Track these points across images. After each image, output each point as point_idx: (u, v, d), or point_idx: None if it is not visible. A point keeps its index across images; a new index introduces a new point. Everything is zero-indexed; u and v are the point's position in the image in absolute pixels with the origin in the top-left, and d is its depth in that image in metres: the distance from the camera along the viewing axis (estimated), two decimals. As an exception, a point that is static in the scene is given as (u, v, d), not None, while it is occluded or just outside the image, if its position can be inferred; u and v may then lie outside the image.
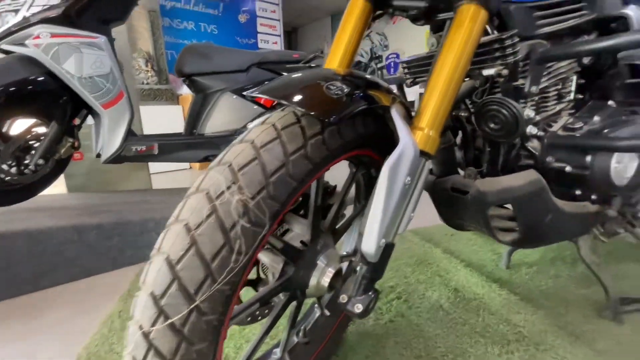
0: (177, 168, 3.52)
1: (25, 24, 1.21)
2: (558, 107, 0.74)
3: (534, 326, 0.87)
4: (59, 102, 1.32)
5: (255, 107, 1.73)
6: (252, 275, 0.65)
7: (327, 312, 0.75)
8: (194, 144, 1.64)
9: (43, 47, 1.20)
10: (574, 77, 0.75)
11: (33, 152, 1.32)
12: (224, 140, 1.67)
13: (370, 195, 0.50)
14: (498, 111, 0.64)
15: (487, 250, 1.32)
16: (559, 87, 0.74)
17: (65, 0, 1.23)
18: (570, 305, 0.96)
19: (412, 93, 0.84)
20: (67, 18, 1.23)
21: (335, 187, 0.72)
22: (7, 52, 1.23)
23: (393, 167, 0.48)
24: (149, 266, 0.38)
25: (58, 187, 1.88)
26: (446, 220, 0.86)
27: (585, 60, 0.73)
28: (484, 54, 0.63)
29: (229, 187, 0.38)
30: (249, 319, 0.65)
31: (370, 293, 0.54)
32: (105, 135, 1.41)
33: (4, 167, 1.27)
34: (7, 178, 1.29)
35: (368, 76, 0.55)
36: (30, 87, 1.21)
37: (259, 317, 0.67)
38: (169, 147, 1.57)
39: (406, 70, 0.82)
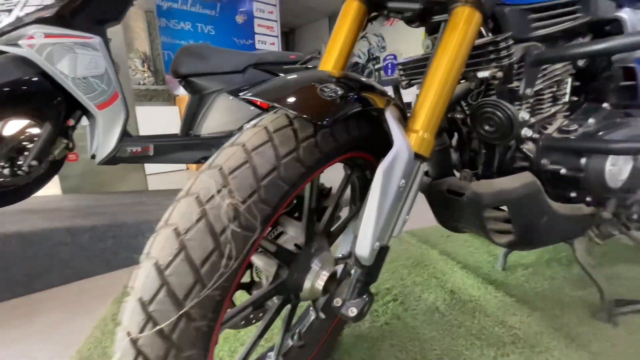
0: (173, 169, 3.50)
1: (19, 24, 1.20)
2: (553, 110, 0.74)
3: (530, 328, 0.87)
4: (52, 103, 1.30)
5: (252, 108, 1.73)
6: (246, 278, 0.65)
7: (322, 315, 0.74)
8: (190, 145, 1.63)
9: (37, 47, 1.19)
10: (569, 80, 0.75)
11: (26, 153, 1.31)
12: (220, 141, 1.66)
13: (365, 198, 0.50)
14: (493, 113, 0.64)
15: (484, 251, 1.32)
16: (554, 89, 0.74)
17: (59, 1, 1.22)
18: (565, 307, 0.97)
19: (410, 95, 0.84)
20: (61, 18, 1.22)
21: (330, 189, 0.72)
22: (0, 52, 1.22)
23: (387, 169, 0.48)
24: (137, 271, 0.37)
25: (52, 189, 1.87)
26: (442, 222, 0.85)
27: (580, 62, 0.73)
28: (478, 56, 0.63)
29: (219, 191, 0.37)
30: (243, 322, 0.64)
31: (364, 296, 0.54)
32: (99, 136, 1.40)
33: (-3, 168, 1.25)
34: (0, 179, 1.27)
35: (362, 78, 0.55)
36: (23, 87, 1.20)
37: (253, 321, 0.66)
38: (164, 148, 1.56)
39: (402, 72, 0.82)
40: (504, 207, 0.70)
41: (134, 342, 0.35)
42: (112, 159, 1.44)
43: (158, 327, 0.34)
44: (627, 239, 0.85)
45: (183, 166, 3.56)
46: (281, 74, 1.62)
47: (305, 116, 0.41)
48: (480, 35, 0.64)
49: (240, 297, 0.82)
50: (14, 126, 1.30)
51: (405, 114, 0.57)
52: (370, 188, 0.48)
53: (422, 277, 1.15)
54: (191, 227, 0.36)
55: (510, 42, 0.60)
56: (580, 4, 0.65)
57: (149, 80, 3.50)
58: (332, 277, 0.61)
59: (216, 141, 1.66)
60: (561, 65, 0.72)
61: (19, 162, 1.29)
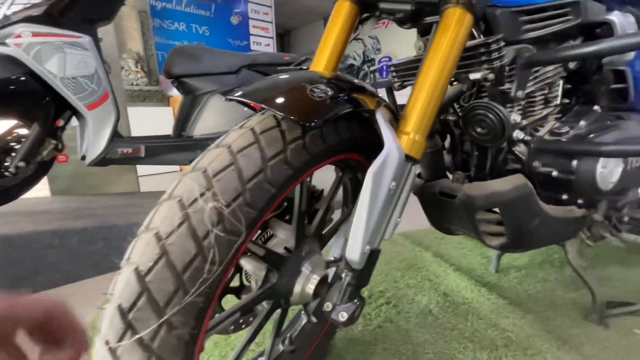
0: (166, 170, 3.46)
1: (6, 22, 1.17)
2: (544, 112, 0.74)
3: (522, 330, 0.87)
4: (41, 103, 1.28)
5: (245, 109, 1.72)
6: (235, 282, 0.64)
7: (314, 319, 0.73)
8: (182, 147, 1.61)
9: (24, 46, 1.17)
10: (560, 82, 0.75)
11: (14, 154, 1.29)
12: (213, 142, 1.64)
13: (357, 200, 0.49)
14: (485, 115, 0.64)
15: (477, 253, 1.32)
16: (546, 91, 0.74)
17: (47, -1, 1.20)
18: (557, 309, 0.97)
19: (405, 97, 0.83)
20: (49, 17, 1.20)
21: (322, 191, 0.71)
22: (-13, 52, 1.20)
23: (377, 172, 0.47)
24: (117, 277, 0.36)
25: (41, 190, 1.83)
26: (435, 225, 0.85)
27: (571, 65, 0.74)
28: (470, 58, 0.63)
29: (202, 194, 0.36)
30: (233, 327, 0.63)
31: (355, 301, 0.53)
32: (89, 137, 1.38)
33: (-17, 169, 1.22)
34: (-15, 181, 1.24)
35: (353, 79, 0.54)
36: (11, 87, 1.18)
37: (243, 325, 0.65)
38: (156, 150, 1.54)
39: (394, 74, 0.82)
40: (497, 209, 0.70)
41: (112, 351, 0.33)
42: (103, 160, 1.42)
43: (137, 336, 0.33)
44: (618, 241, 0.85)
45: (176, 168, 3.52)
46: (274, 75, 1.62)
47: (292, 117, 0.40)
48: (472, 37, 0.64)
49: (231, 302, 0.81)
50: (0, 127, 1.27)
51: (396, 115, 0.56)
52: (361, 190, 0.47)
53: (415, 280, 1.14)
54: (173, 232, 0.35)
55: (502, 44, 0.60)
56: (570, 7, 0.65)
57: (142, 81, 3.47)
58: (323, 281, 0.60)
59: (209, 142, 1.64)
60: (552, 68, 0.72)
61: (6, 164, 1.26)
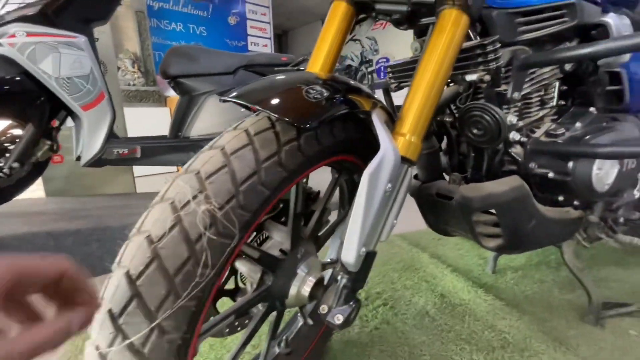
0: (163, 171, 3.44)
1: (0, 22, 1.16)
2: (541, 113, 0.75)
3: (519, 332, 0.87)
4: (36, 104, 1.27)
5: (242, 110, 1.71)
6: (230, 284, 0.63)
7: (310, 322, 0.73)
8: (179, 147, 1.60)
9: (18, 46, 1.16)
10: (557, 84, 0.75)
11: (8, 154, 1.27)
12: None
13: (353, 202, 0.48)
14: (481, 117, 0.64)
15: (474, 254, 1.32)
16: (542, 93, 0.74)
17: (42, -1, 1.19)
18: (554, 310, 0.97)
19: (402, 98, 0.83)
20: (44, 17, 1.19)
21: (318, 192, 0.71)
22: (-20, 51, 1.18)
23: (373, 174, 0.47)
24: (108, 281, 0.36)
25: (36, 191, 1.82)
26: (432, 226, 0.85)
27: (567, 67, 0.74)
28: (466, 59, 0.63)
29: (195, 197, 0.36)
30: (228, 330, 0.62)
31: (351, 303, 0.52)
32: (85, 138, 1.37)
33: (-24, 170, 1.21)
34: (-21, 182, 1.23)
35: (349, 80, 0.54)
36: (5, 87, 1.16)
37: (239, 328, 0.64)
38: (152, 150, 1.53)
39: (391, 75, 0.82)
40: (493, 211, 0.70)
41: (102, 356, 0.33)
42: (98, 161, 1.41)
43: (128, 341, 0.32)
44: (614, 242, 0.85)
45: (173, 168, 3.50)
46: (272, 76, 1.61)
47: (287, 119, 0.40)
48: (468, 38, 0.64)
49: (227, 304, 0.80)
50: (-6, 127, 1.26)
51: (392, 117, 0.56)
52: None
53: (412, 281, 1.14)
54: (165, 235, 0.35)
55: (498, 45, 0.60)
56: (566, 9, 0.65)
57: (139, 81, 3.45)
58: (319, 283, 0.59)
59: (206, 143, 1.63)
60: (548, 70, 0.72)
61: (0, 164, 1.25)
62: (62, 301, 0.26)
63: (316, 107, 0.43)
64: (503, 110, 0.64)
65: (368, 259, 0.51)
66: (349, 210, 0.52)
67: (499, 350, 0.81)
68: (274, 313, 0.63)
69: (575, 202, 0.73)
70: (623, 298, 0.99)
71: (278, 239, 0.59)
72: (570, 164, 0.67)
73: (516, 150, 0.70)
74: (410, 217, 0.90)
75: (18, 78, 1.18)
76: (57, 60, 1.22)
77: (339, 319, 0.50)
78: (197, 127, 1.68)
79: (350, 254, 0.49)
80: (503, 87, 0.66)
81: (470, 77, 0.63)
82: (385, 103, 0.76)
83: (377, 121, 0.49)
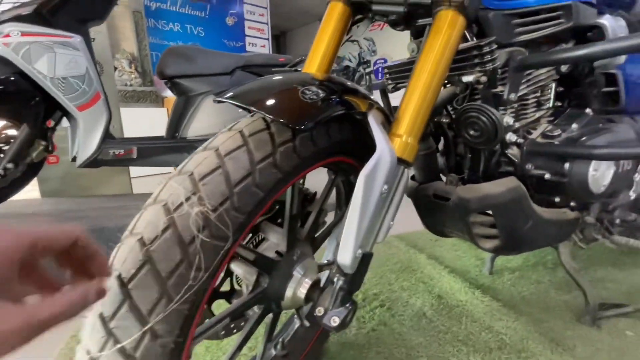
0: (159, 172, 3.43)
1: (-5, 21, 1.15)
2: (537, 115, 0.75)
3: (516, 333, 0.87)
4: (30, 104, 1.26)
5: (240, 110, 1.70)
6: (226, 287, 0.63)
7: (306, 323, 0.72)
8: (176, 148, 1.59)
9: (13, 45, 1.15)
10: (553, 85, 0.75)
11: (2, 155, 1.26)
12: (206, 144, 1.63)
13: (349, 203, 0.48)
14: (477, 118, 0.64)
15: (471, 255, 1.32)
16: (538, 94, 0.75)
17: (37, -2, 1.19)
18: (551, 311, 0.97)
19: (400, 99, 0.83)
20: (39, 16, 1.18)
21: (315, 193, 0.70)
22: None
23: (369, 175, 0.46)
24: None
25: (31, 192, 1.80)
26: (429, 227, 0.85)
27: (563, 68, 0.74)
28: (463, 60, 0.63)
29: (188, 199, 0.35)
30: (223, 332, 0.62)
31: (347, 305, 0.52)
32: (80, 138, 1.36)
33: (-30, 171, 1.20)
34: (-27, 183, 1.22)
35: (345, 81, 0.53)
36: (-1, 87, 1.15)
37: (235, 330, 0.64)
38: (148, 151, 1.52)
39: (388, 76, 0.81)
40: (490, 212, 0.70)
41: (94, 361, 0.32)
42: (94, 162, 1.40)
43: (119, 345, 0.32)
44: (610, 243, 0.85)
45: (170, 169, 3.49)
46: (269, 77, 1.61)
47: (282, 120, 0.39)
48: (465, 39, 0.64)
49: (224, 306, 0.80)
50: (-12, 127, 1.25)
51: (389, 118, 0.56)
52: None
53: (409, 282, 1.14)
54: (157, 237, 0.34)
55: (494, 46, 0.60)
56: (562, 10, 0.65)
57: (136, 82, 3.43)
58: (315, 285, 0.59)
59: (202, 144, 1.62)
60: (545, 71, 0.72)
61: (-6, 165, 1.24)
62: (75, 269, 0.27)
63: (312, 108, 0.43)
64: (499, 112, 0.64)
65: (364, 260, 0.51)
66: (346, 211, 0.52)
67: (496, 351, 0.81)
68: (270, 315, 0.62)
69: (572, 203, 0.73)
70: (619, 299, 0.99)
71: (274, 241, 0.58)
72: (567, 165, 0.67)
73: (513, 152, 0.70)
74: (407, 218, 0.90)
75: (12, 78, 1.18)
76: (52, 60, 1.21)
77: (335, 321, 0.50)
78: (194, 128, 1.67)
79: (346, 256, 0.48)
80: (499, 88, 0.66)
81: (467, 78, 0.63)
82: (382, 104, 0.76)
83: (374, 122, 0.49)
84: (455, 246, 1.41)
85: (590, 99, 0.78)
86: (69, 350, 0.87)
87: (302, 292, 0.57)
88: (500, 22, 0.65)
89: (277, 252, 0.57)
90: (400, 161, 0.51)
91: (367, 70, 5.51)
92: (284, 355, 0.71)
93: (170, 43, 3.88)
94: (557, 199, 0.73)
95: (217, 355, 0.84)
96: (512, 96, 0.66)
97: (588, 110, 0.76)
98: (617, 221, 0.81)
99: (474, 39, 0.65)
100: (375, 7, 0.62)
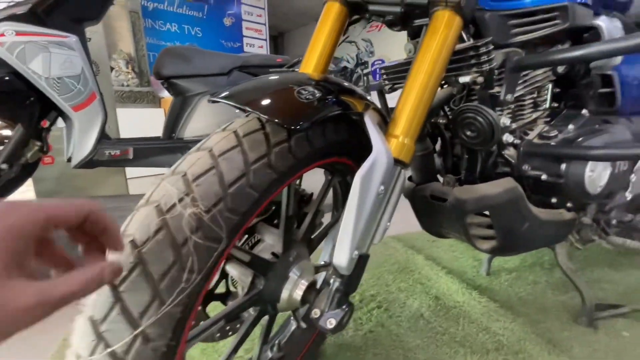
0: (156, 173, 3.41)
1: (-11, 21, 1.14)
2: (534, 116, 0.75)
3: (513, 334, 0.87)
4: (25, 104, 1.25)
5: (237, 111, 1.70)
6: (221, 288, 0.62)
7: (303, 325, 0.72)
8: (172, 149, 1.58)
9: (7, 45, 1.13)
10: (549, 86, 0.75)
11: (-4, 156, 1.25)
12: (203, 144, 1.62)
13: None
14: (474, 119, 0.64)
15: (469, 256, 1.32)
16: (535, 95, 0.75)
17: (32, -2, 1.17)
18: (548, 311, 0.97)
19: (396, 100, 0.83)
20: (34, 16, 1.17)
21: (311, 194, 0.70)
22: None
23: (365, 176, 0.46)
24: (90, 287, 0.34)
25: (26, 193, 1.78)
26: (426, 228, 0.85)
27: (560, 69, 0.74)
28: (459, 61, 0.63)
29: (181, 200, 0.35)
30: (219, 334, 0.61)
31: (344, 307, 0.52)
32: (76, 139, 1.34)
33: (-37, 171, 1.19)
34: (-34, 183, 1.20)
35: (342, 81, 0.53)
36: (-7, 87, 1.14)
37: (230, 333, 0.63)
38: (145, 152, 1.51)
39: (385, 77, 0.81)
40: (487, 213, 0.69)
41: (84, 365, 0.32)
42: (89, 162, 1.39)
43: (110, 349, 0.31)
44: (607, 243, 0.85)
45: (166, 170, 3.46)
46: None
47: (277, 120, 0.39)
48: (462, 40, 0.64)
49: (219, 308, 0.79)
50: (-18, 128, 1.23)
51: (385, 118, 0.56)
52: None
53: (407, 283, 1.14)
54: (149, 239, 0.34)
55: (491, 47, 0.60)
56: (559, 11, 0.65)
57: (133, 82, 3.42)
58: (311, 286, 0.58)
59: (199, 144, 1.62)
60: (541, 72, 0.72)
61: (-12, 166, 1.22)
62: (87, 244, 0.27)
63: (307, 108, 0.42)
64: (496, 112, 0.64)
65: (361, 262, 0.51)
66: (342, 212, 0.51)
67: (493, 352, 0.81)
68: (266, 317, 0.62)
69: (568, 204, 0.73)
70: (616, 299, 0.99)
71: (270, 242, 0.58)
72: (563, 166, 0.67)
73: (509, 152, 0.70)
74: (405, 219, 0.90)
75: (7, 78, 1.16)
76: (47, 60, 1.20)
77: (331, 323, 0.50)
78: (191, 128, 1.66)
79: (342, 257, 0.48)
80: (496, 89, 0.65)
81: (464, 79, 0.63)
82: (380, 105, 0.76)
83: (370, 123, 0.49)
84: (453, 247, 1.41)
85: (586, 100, 0.78)
86: (61, 355, 0.86)
87: (298, 293, 0.57)
88: (496, 23, 0.65)
89: (273, 254, 0.56)
90: (397, 162, 0.50)
91: (365, 71, 5.52)
92: (280, 357, 0.70)
93: (168, 43, 3.87)
94: (553, 200, 0.73)
95: (213, 357, 0.83)
96: (509, 97, 0.66)
97: (584, 111, 0.76)
98: (614, 222, 0.81)
99: (471, 39, 0.64)
100: (371, 7, 0.62)
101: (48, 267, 0.26)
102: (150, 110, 3.42)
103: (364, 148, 0.54)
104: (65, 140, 1.40)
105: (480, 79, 0.62)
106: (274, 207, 0.62)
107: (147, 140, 1.56)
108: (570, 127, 0.71)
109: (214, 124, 1.66)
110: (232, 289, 0.63)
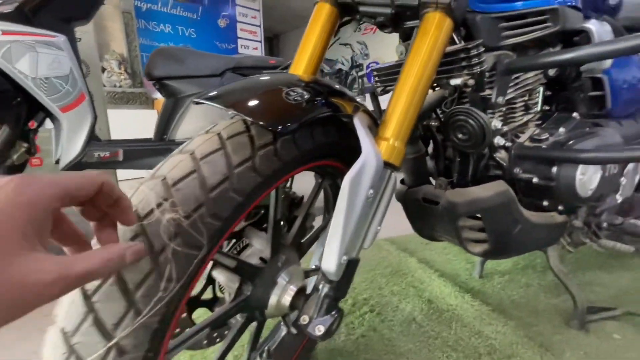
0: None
1: (-26, 19, 1.11)
2: (525, 118, 0.74)
3: (505, 338, 0.86)
4: (11, 104, 1.22)
5: (230, 112, 1.68)
6: (208, 294, 0.60)
7: (293, 331, 0.70)
8: (163, 150, 1.56)
9: (-7, 44, 1.11)
10: (540, 89, 0.75)
11: (-20, 157, 1.22)
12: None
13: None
14: (465, 121, 0.63)
15: (461, 259, 1.32)
16: (526, 98, 0.74)
17: (19, -4, 1.15)
18: (540, 315, 0.97)
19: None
20: (21, 15, 1.15)
21: (302, 197, 0.69)
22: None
23: (354, 179, 0.45)
24: (62, 297, 0.33)
25: (13, 195, 1.74)
26: (418, 231, 0.84)
27: (551, 72, 0.74)
28: (451, 63, 0.62)
29: (159, 205, 0.33)
30: (206, 342, 0.60)
31: (333, 313, 0.50)
32: (64, 140, 1.32)
33: (-55, 174, 1.15)
34: (-52, 186, 1.17)
35: (332, 83, 0.52)
36: (-23, 87, 1.11)
37: (218, 340, 0.62)
38: (135, 153, 1.48)
39: (377, 79, 0.81)
40: (479, 216, 0.69)
41: (55, 379, 0.30)
42: (78, 164, 1.36)
43: (82, 363, 0.30)
44: (598, 246, 0.85)
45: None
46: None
47: (260, 122, 0.38)
48: (453, 42, 0.64)
49: (207, 314, 0.77)
50: (-34, 129, 1.20)
51: (376, 121, 0.55)
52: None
53: (400, 287, 1.13)
54: (125, 246, 0.32)
55: (481, 49, 0.60)
56: (549, 14, 0.65)
57: (125, 83, 3.38)
58: (300, 292, 0.57)
59: (191, 146, 1.59)
60: (532, 75, 0.72)
61: (-28, 168, 1.19)
62: (100, 221, 0.27)
63: (295, 109, 0.41)
64: (487, 115, 0.63)
65: (350, 267, 0.50)
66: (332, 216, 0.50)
67: (485, 356, 0.81)
68: (255, 323, 0.60)
69: (560, 207, 0.73)
70: (607, 302, 0.99)
71: (258, 247, 0.57)
72: (554, 169, 0.66)
73: (501, 155, 0.69)
74: (398, 222, 0.89)
75: (-8, 78, 1.13)
76: (34, 59, 1.17)
77: (319, 330, 0.48)
78: (183, 130, 1.64)
79: (330, 262, 0.47)
80: (487, 91, 0.65)
81: (455, 82, 0.63)
82: (373, 107, 0.75)
83: (359, 125, 0.48)
84: (446, 249, 1.41)
85: (577, 103, 0.78)
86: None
87: (287, 299, 0.56)
88: (487, 25, 0.65)
89: (261, 259, 0.55)
90: (387, 165, 0.49)
91: (360, 73, 5.53)
92: (270, 363, 0.69)
93: (161, 44, 3.84)
94: (545, 203, 0.73)
95: (201, 364, 0.81)
96: (500, 99, 0.66)
97: (575, 114, 0.76)
98: (605, 225, 0.82)
99: (462, 41, 0.64)
100: (362, 9, 0.61)
101: (62, 245, 0.26)
102: (143, 111, 3.38)
103: (355, 151, 0.53)
104: (53, 141, 1.37)
105: (472, 82, 0.62)
106: (262, 211, 0.61)
107: (138, 142, 1.53)
108: (561, 130, 0.71)
109: (206, 125, 1.64)
110: (219, 294, 0.61)
